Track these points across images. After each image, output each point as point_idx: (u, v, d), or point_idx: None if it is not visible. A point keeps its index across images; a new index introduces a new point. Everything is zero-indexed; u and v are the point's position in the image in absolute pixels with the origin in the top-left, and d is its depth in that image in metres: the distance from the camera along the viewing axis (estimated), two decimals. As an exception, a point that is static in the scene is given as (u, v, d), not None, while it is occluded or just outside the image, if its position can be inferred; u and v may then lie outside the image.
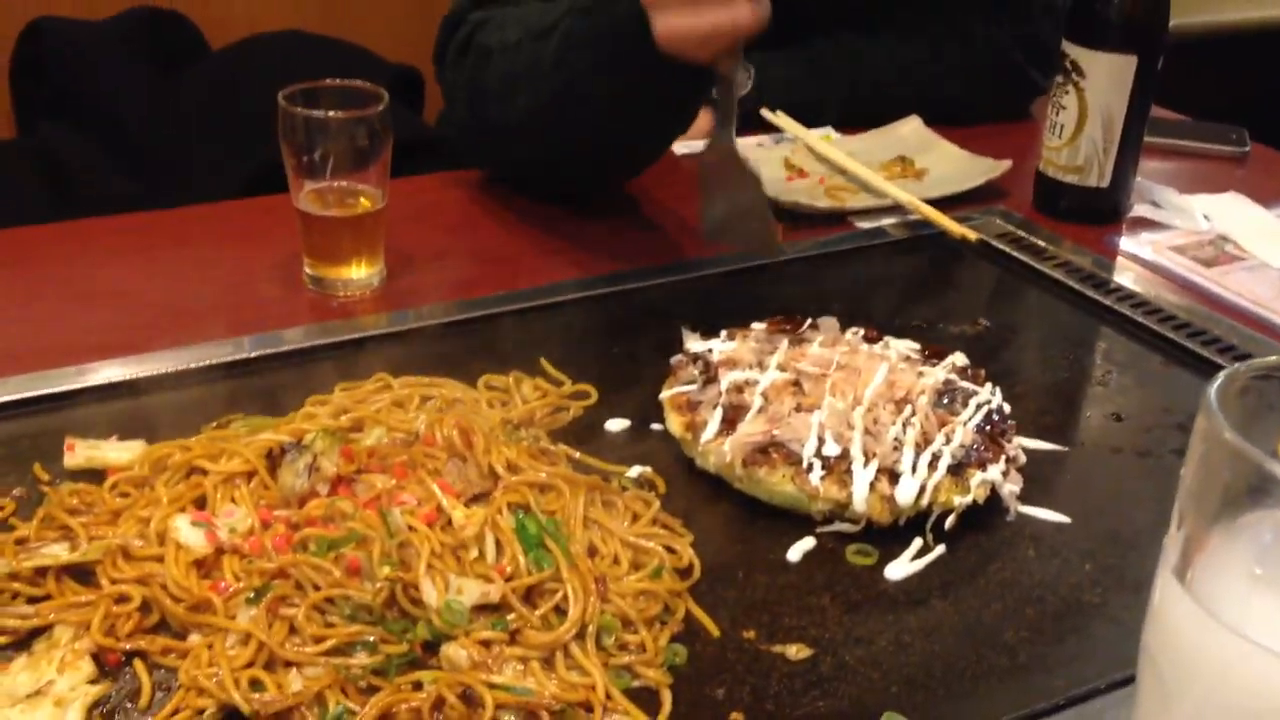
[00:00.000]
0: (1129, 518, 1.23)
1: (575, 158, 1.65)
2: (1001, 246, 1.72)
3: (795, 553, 1.16)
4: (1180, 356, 1.50)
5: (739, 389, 1.26)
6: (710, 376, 1.30)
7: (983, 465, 1.20)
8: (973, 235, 1.72)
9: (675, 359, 1.36)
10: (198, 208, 1.72)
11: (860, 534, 1.17)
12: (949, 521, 1.17)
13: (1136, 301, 1.59)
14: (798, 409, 1.23)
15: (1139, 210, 1.85)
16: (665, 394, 1.31)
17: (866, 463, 1.17)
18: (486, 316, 1.50)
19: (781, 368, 1.29)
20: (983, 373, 1.35)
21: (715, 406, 1.25)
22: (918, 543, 1.17)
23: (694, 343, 1.37)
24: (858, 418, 1.21)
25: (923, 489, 1.16)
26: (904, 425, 1.21)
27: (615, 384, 1.37)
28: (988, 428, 1.25)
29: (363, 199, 1.51)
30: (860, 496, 1.15)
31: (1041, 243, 1.73)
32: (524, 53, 1.57)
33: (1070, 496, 1.25)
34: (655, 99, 1.52)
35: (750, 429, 1.21)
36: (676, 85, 1.48)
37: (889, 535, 1.17)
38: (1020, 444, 1.28)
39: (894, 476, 1.17)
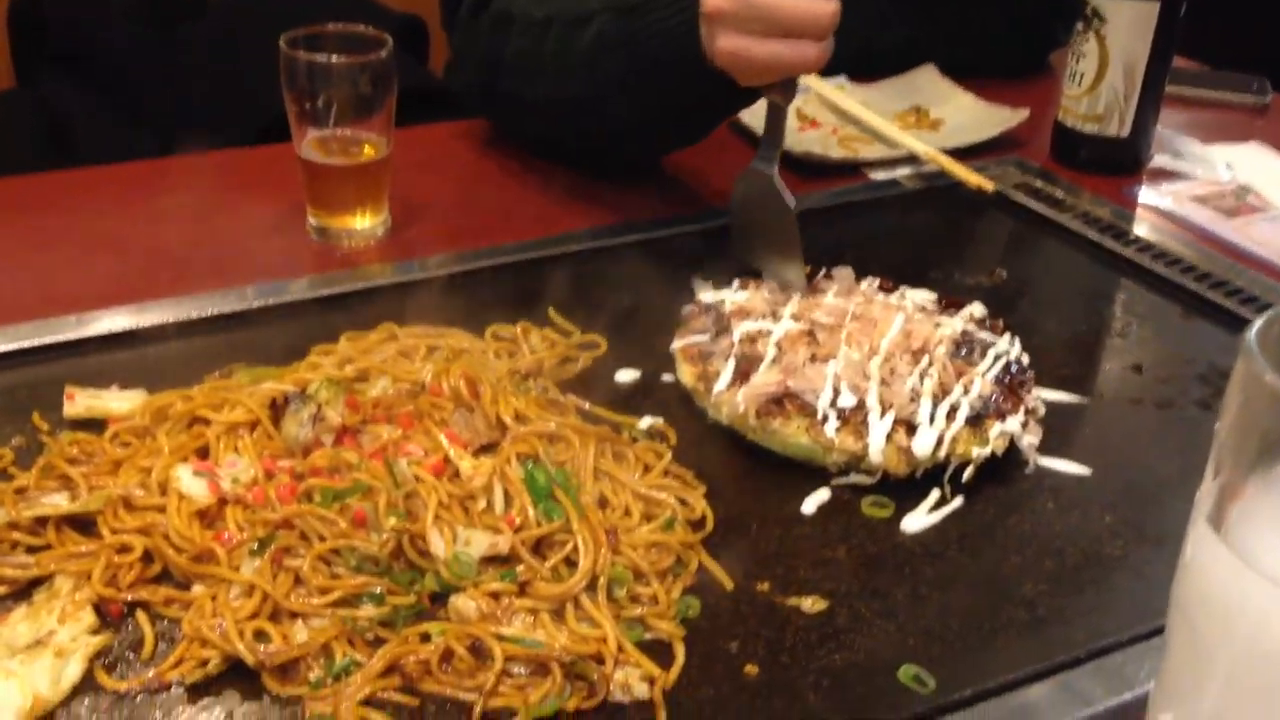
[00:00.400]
0: (1149, 469, 1.20)
1: (589, 144, 1.61)
2: (1019, 197, 1.69)
3: (810, 505, 1.13)
4: (1201, 308, 1.47)
5: (752, 339, 1.24)
6: (722, 327, 1.27)
7: (1001, 416, 1.17)
8: (990, 185, 1.68)
9: (686, 309, 1.33)
10: (200, 156, 1.69)
11: (876, 486, 1.15)
12: (967, 473, 1.14)
13: (1156, 253, 1.56)
14: (812, 359, 1.20)
15: (1159, 161, 1.81)
16: (676, 344, 1.28)
17: (883, 414, 1.14)
18: (493, 267, 1.47)
19: (795, 318, 1.26)
20: (1001, 323, 1.32)
21: (728, 357, 1.22)
22: (935, 495, 1.14)
23: (706, 293, 1.35)
24: (874, 368, 1.18)
25: (940, 440, 1.14)
26: (921, 376, 1.18)
27: (625, 334, 1.34)
28: (1006, 379, 1.22)
29: (367, 147, 1.48)
30: (876, 448, 1.13)
31: (1060, 193, 1.70)
32: (551, 37, 1.50)
33: (1090, 448, 1.22)
34: (688, 110, 1.48)
35: (764, 380, 1.18)
36: (715, 100, 1.44)
37: (905, 487, 1.15)
38: (1039, 395, 1.25)
39: (911, 428, 1.14)
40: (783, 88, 1.33)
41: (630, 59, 1.41)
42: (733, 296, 1.32)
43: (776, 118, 1.37)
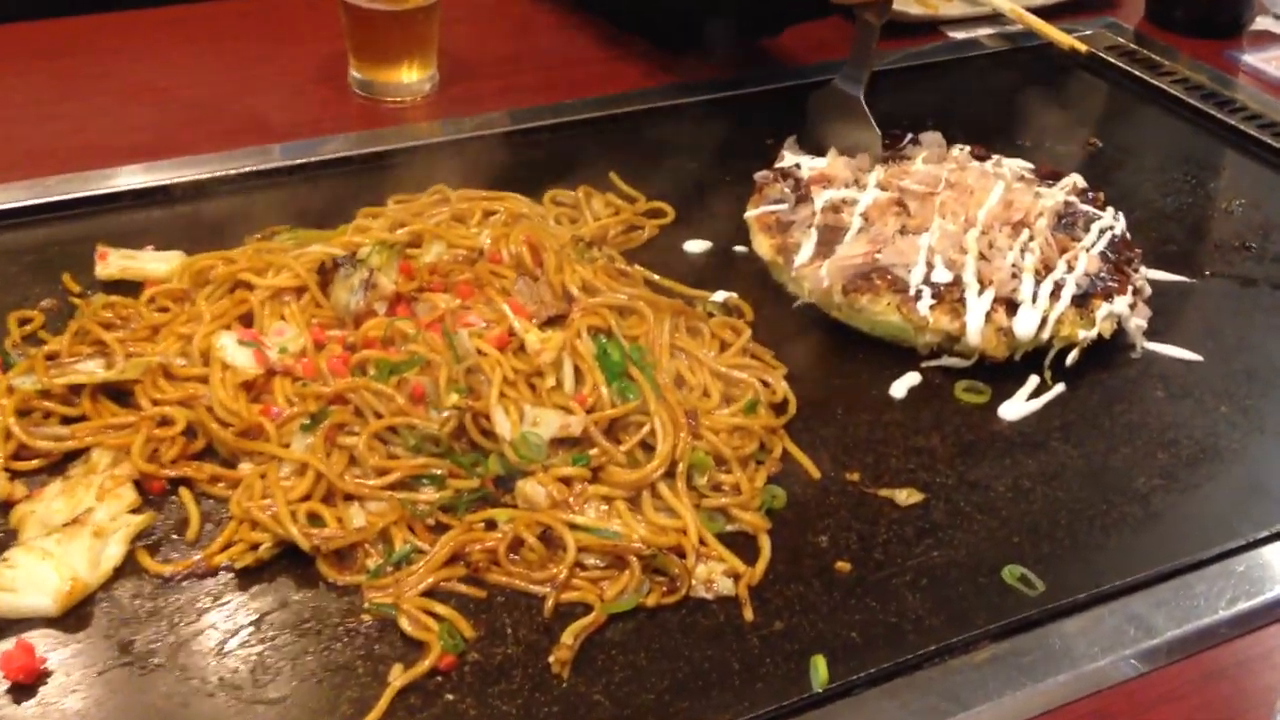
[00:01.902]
0: (1266, 355, 1.11)
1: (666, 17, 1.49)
2: (1112, 60, 1.57)
3: (899, 388, 1.05)
4: (1313, 182, 1.36)
5: (835, 209, 1.14)
6: (802, 195, 1.17)
7: (1108, 296, 1.08)
8: (1082, 47, 1.55)
9: (760, 175, 1.23)
10: (240, 3, 1.58)
11: (969, 370, 1.06)
12: (1071, 357, 1.06)
13: (1264, 122, 1.44)
14: (903, 231, 1.11)
15: (1260, 23, 1.68)
16: (751, 213, 1.19)
17: (981, 291, 1.05)
18: (551, 126, 1.37)
19: (882, 186, 1.16)
20: (1102, 196, 1.22)
21: (809, 227, 1.13)
22: (1034, 380, 1.06)
23: (788, 157, 1.24)
24: (971, 241, 1.09)
25: (1044, 321, 1.05)
26: (1022, 250, 1.09)
27: (694, 202, 1.25)
28: (1112, 255, 1.12)
29: (415, -8, 1.37)
30: (975, 328, 1.04)
31: (1156, 56, 1.58)
32: None
33: (1200, 332, 1.13)
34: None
35: (851, 251, 1.09)
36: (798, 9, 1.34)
37: (1000, 372, 1.06)
38: (1145, 274, 1.16)
39: (1011, 306, 1.05)
40: (878, 5, 1.22)
41: None
42: (811, 162, 1.22)
43: (867, 36, 1.25)
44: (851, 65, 1.27)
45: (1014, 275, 1.07)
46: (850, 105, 1.25)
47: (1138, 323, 1.10)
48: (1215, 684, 0.83)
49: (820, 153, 1.25)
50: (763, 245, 1.15)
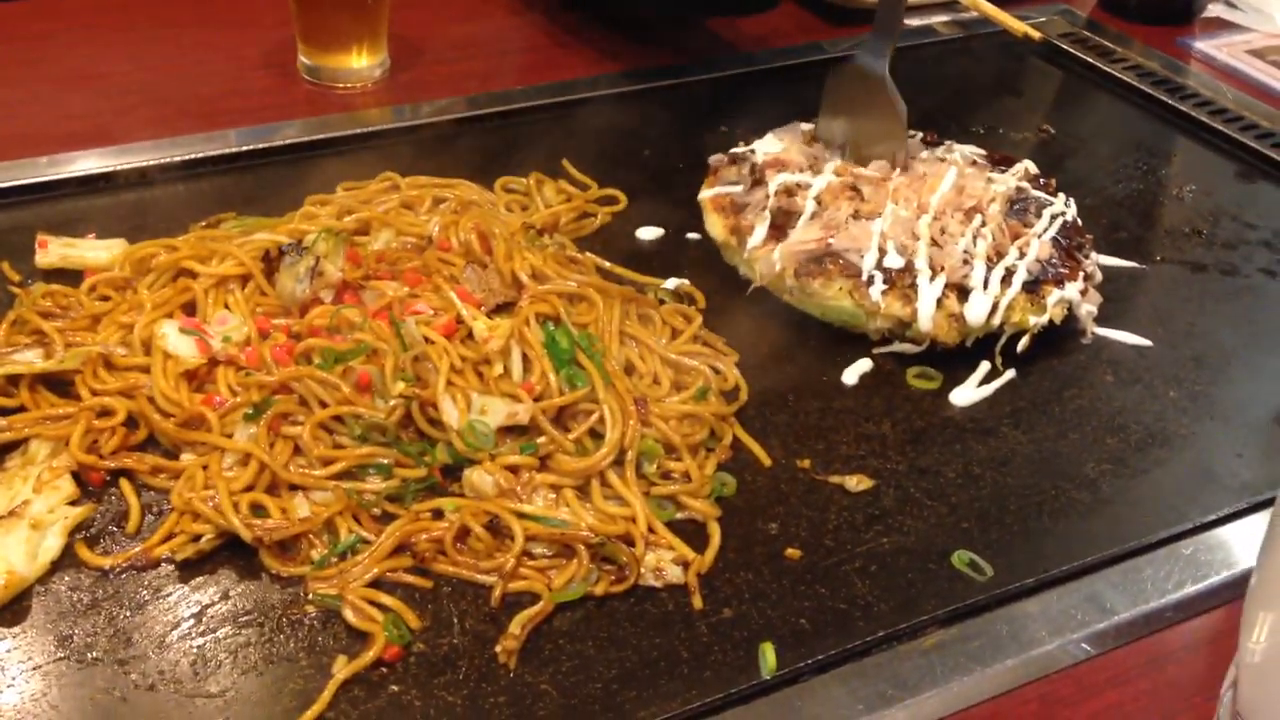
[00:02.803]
0: (1215, 340, 1.11)
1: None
2: (1065, 46, 1.57)
3: (851, 375, 1.05)
4: (1263, 168, 1.37)
5: (789, 192, 1.13)
6: (757, 178, 1.16)
7: (1059, 283, 1.08)
8: (1036, 34, 1.56)
9: (715, 158, 1.22)
10: (181, -14, 1.56)
11: (921, 356, 1.06)
12: (1022, 343, 1.06)
13: (1215, 108, 1.45)
14: (855, 216, 1.10)
15: (1212, 10, 1.69)
16: (705, 194, 1.18)
17: (933, 277, 1.05)
18: (502, 113, 1.36)
19: (837, 171, 1.15)
20: (1054, 182, 1.22)
21: (763, 210, 1.12)
22: (985, 366, 1.06)
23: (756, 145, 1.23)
24: (923, 227, 1.08)
25: (995, 307, 1.04)
26: (974, 237, 1.09)
27: (646, 189, 1.24)
28: (1064, 241, 1.12)
29: (363, -24, 1.35)
30: (926, 313, 1.03)
31: (1109, 43, 1.58)
32: None
33: (1150, 318, 1.14)
34: None
35: (804, 236, 1.08)
36: None
37: (952, 358, 1.06)
38: (1097, 260, 1.16)
39: (963, 292, 1.05)
40: None
41: None
42: (765, 146, 1.21)
43: (894, 7, 1.16)
44: (875, 37, 1.17)
45: (966, 261, 1.07)
46: (873, 85, 1.16)
47: (1088, 309, 1.10)
48: (1162, 667, 0.83)
49: (834, 142, 1.20)
50: (716, 226, 1.15)
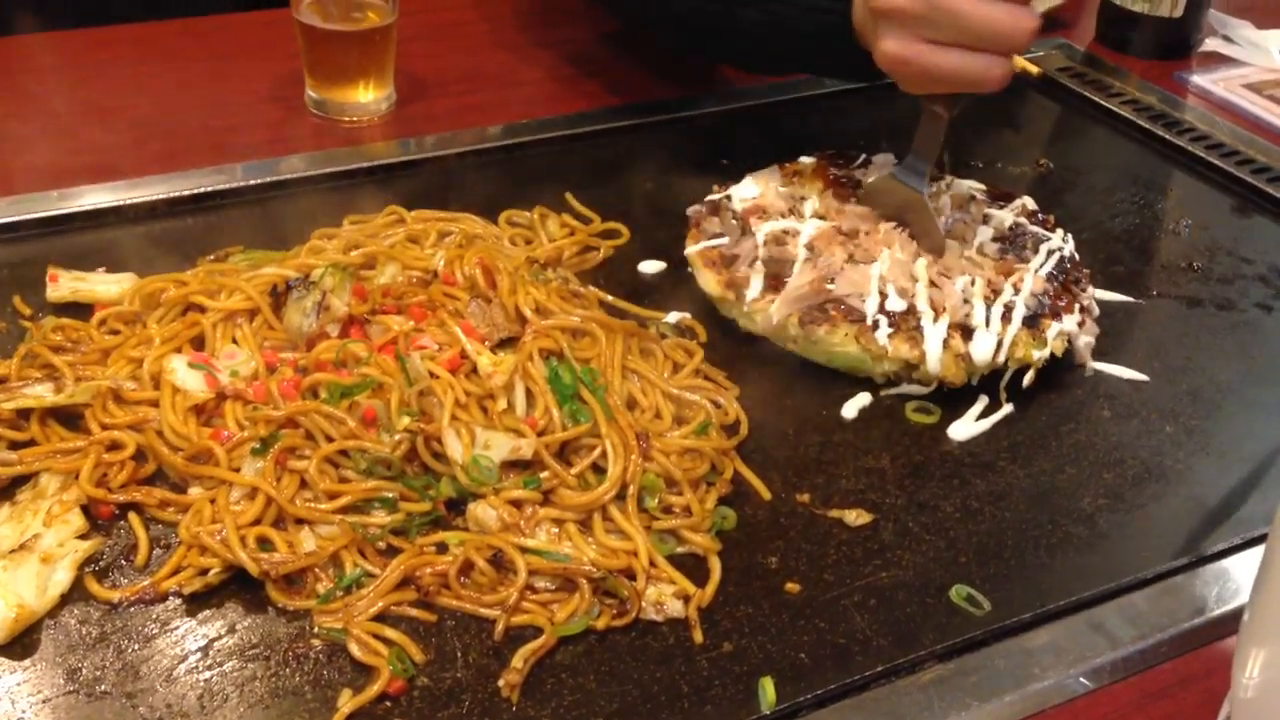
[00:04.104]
0: (1211, 376, 1.13)
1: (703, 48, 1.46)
2: (1064, 81, 1.59)
3: (850, 409, 1.06)
4: (1259, 202, 1.38)
5: (778, 240, 1.13)
6: (743, 228, 1.16)
7: (1056, 315, 1.09)
8: (1034, 68, 1.58)
9: (693, 210, 1.21)
10: (190, 21, 1.57)
11: (924, 394, 1.07)
12: (1027, 378, 1.06)
13: (1211, 143, 1.47)
14: (851, 260, 1.11)
15: (1210, 45, 1.70)
16: (692, 249, 1.17)
17: (936, 318, 1.06)
18: (507, 147, 1.37)
19: (820, 215, 1.16)
20: (1053, 218, 1.23)
21: (753, 261, 1.12)
22: (983, 401, 1.07)
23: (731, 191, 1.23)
24: (921, 270, 1.09)
25: (999, 344, 1.05)
26: (970, 278, 1.10)
27: (649, 223, 1.25)
28: (1059, 276, 1.14)
29: (370, 12, 1.37)
30: (934, 355, 1.04)
31: (1106, 78, 1.60)
32: None
33: (1146, 352, 1.15)
34: (820, 69, 1.36)
35: (802, 284, 1.08)
36: (850, 77, 1.30)
37: (950, 393, 1.07)
38: (1094, 294, 1.17)
39: (966, 332, 1.06)
40: (948, 99, 1.12)
41: (775, 35, 1.24)
42: (742, 191, 1.21)
43: (934, 129, 1.14)
44: (916, 157, 1.16)
45: (965, 300, 1.08)
46: (912, 203, 1.15)
47: (1086, 340, 1.11)
48: (1158, 702, 0.84)
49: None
50: (709, 282, 1.13)
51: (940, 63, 1.05)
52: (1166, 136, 1.48)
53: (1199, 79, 1.63)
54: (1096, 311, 1.15)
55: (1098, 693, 0.84)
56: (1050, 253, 1.16)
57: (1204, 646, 0.88)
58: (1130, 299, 1.22)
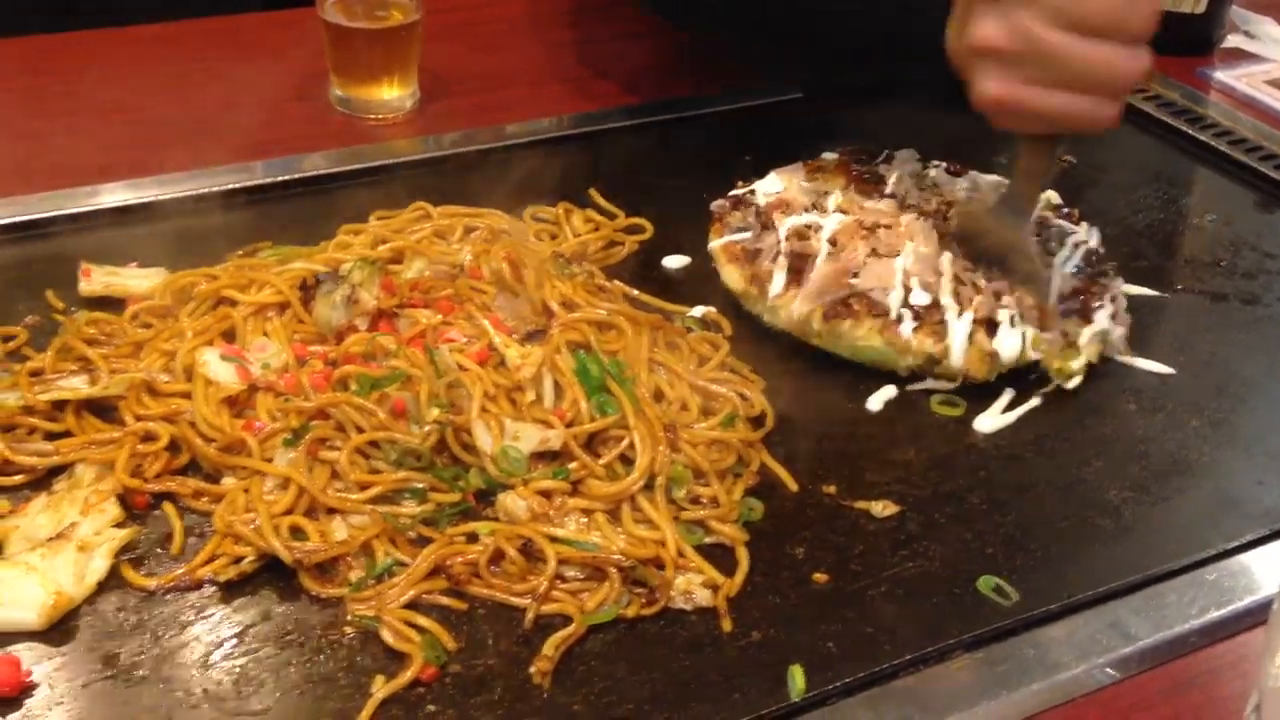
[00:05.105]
0: (1236, 369, 1.13)
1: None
2: (1085, 77, 1.59)
3: (876, 401, 1.06)
4: (1282, 198, 1.39)
5: (800, 235, 1.13)
6: (765, 222, 1.16)
7: (1086, 316, 1.09)
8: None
9: (716, 204, 1.22)
10: (216, 20, 1.59)
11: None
12: (1073, 383, 1.07)
13: (1234, 138, 1.47)
14: (874, 254, 1.11)
15: (1231, 41, 1.70)
16: (715, 243, 1.17)
17: (960, 313, 1.06)
18: (531, 143, 1.38)
19: (844, 210, 1.16)
20: (1077, 212, 1.23)
21: (776, 255, 1.12)
22: (1009, 393, 1.07)
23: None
24: (945, 264, 1.09)
25: (1024, 340, 1.05)
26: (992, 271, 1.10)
27: (673, 218, 1.26)
28: (1087, 269, 1.14)
29: (394, 11, 1.38)
30: (959, 350, 1.04)
31: (1128, 74, 1.59)
32: None
33: (1171, 346, 1.15)
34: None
35: (825, 277, 1.09)
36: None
37: (976, 385, 1.07)
38: (1121, 286, 1.17)
39: (991, 326, 1.06)
40: (1051, 138, 1.07)
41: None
42: (766, 187, 1.21)
43: (1035, 166, 1.08)
44: (1015, 195, 1.11)
45: (996, 295, 1.08)
46: (1010, 240, 1.10)
47: (1120, 331, 1.11)
48: (1186, 692, 0.84)
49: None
50: (733, 277, 1.14)
51: (1044, 106, 0.99)
52: (1189, 132, 1.48)
53: (1222, 75, 1.63)
54: (1125, 302, 1.15)
55: (1124, 683, 0.84)
56: (1076, 245, 1.16)
57: (1230, 638, 0.88)
58: (1155, 293, 1.22)
